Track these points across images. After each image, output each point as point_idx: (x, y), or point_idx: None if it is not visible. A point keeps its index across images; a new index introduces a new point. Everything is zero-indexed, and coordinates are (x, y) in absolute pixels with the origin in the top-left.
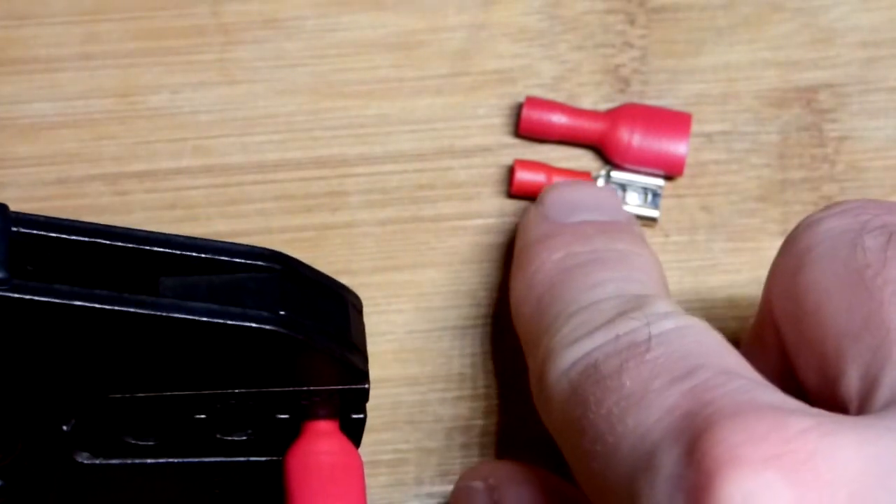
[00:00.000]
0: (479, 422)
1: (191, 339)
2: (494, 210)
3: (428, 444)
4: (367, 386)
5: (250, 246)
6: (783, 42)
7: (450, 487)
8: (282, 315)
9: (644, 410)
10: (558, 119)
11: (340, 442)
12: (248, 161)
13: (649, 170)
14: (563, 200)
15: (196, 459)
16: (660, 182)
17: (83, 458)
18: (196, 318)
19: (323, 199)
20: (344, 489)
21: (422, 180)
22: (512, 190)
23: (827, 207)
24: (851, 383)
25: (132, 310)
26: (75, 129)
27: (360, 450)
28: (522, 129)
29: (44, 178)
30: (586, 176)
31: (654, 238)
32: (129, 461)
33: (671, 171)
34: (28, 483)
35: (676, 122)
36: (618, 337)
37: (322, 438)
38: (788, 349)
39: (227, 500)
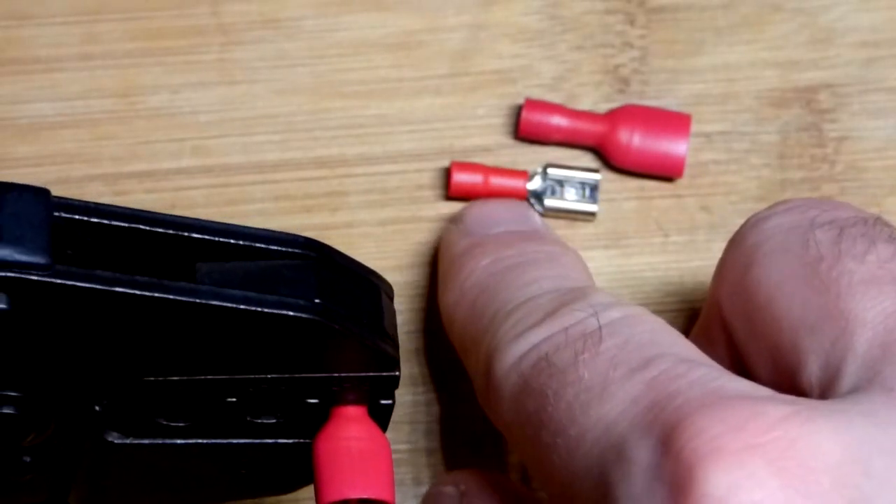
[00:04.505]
0: (479, 422)
1: (227, 326)
2: None
3: (428, 444)
4: (397, 373)
5: (286, 233)
6: (783, 42)
7: None
8: (317, 303)
9: (606, 402)
10: (558, 122)
11: (369, 427)
12: (247, 161)
13: (649, 171)
14: (483, 216)
15: (225, 441)
16: (597, 176)
17: (113, 438)
18: (234, 305)
19: (323, 199)
20: (373, 474)
21: (422, 180)
22: (450, 192)
23: (772, 206)
24: (811, 373)
25: (171, 297)
26: (75, 129)
27: None
28: (522, 131)
29: (44, 178)
30: (523, 175)
31: (654, 238)
32: (158, 441)
33: (671, 172)
34: (57, 461)
35: (676, 122)
36: (566, 329)
37: (351, 423)
38: (739, 344)
39: (255, 480)
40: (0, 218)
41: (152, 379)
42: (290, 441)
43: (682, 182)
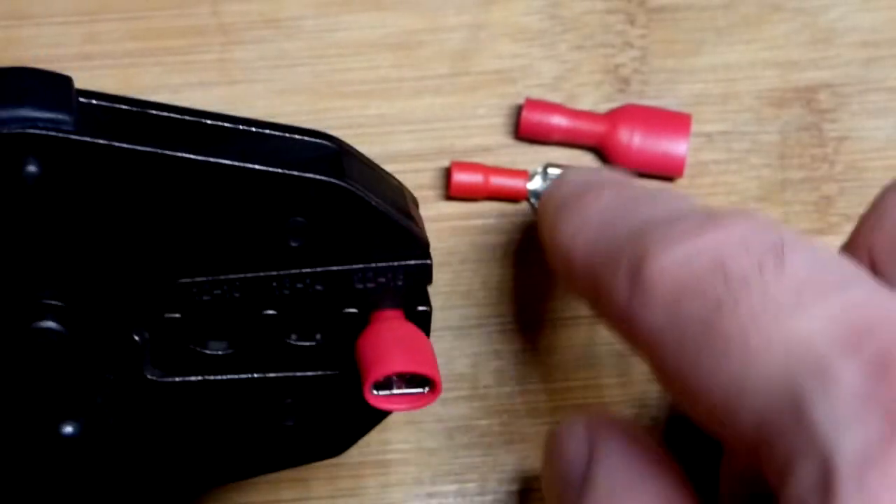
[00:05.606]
0: (479, 422)
1: (257, 195)
2: (494, 210)
3: (428, 444)
4: (429, 262)
5: (305, 128)
6: (783, 42)
7: (451, 487)
8: (344, 178)
9: (799, 316)
10: (558, 121)
11: (408, 322)
12: None
13: (649, 171)
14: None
15: (267, 374)
16: None
17: (154, 376)
18: (263, 168)
19: None
20: (416, 352)
21: (422, 180)
22: (450, 192)
23: None
24: None
25: (200, 158)
26: None
27: (356, 450)
28: (522, 131)
29: None
30: (523, 175)
31: None
32: (200, 378)
33: (671, 172)
34: (107, 408)
35: (676, 122)
36: (743, 238)
37: (390, 320)
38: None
39: (300, 437)
40: (24, 84)
41: (187, 281)
42: (332, 373)
43: (683, 182)
